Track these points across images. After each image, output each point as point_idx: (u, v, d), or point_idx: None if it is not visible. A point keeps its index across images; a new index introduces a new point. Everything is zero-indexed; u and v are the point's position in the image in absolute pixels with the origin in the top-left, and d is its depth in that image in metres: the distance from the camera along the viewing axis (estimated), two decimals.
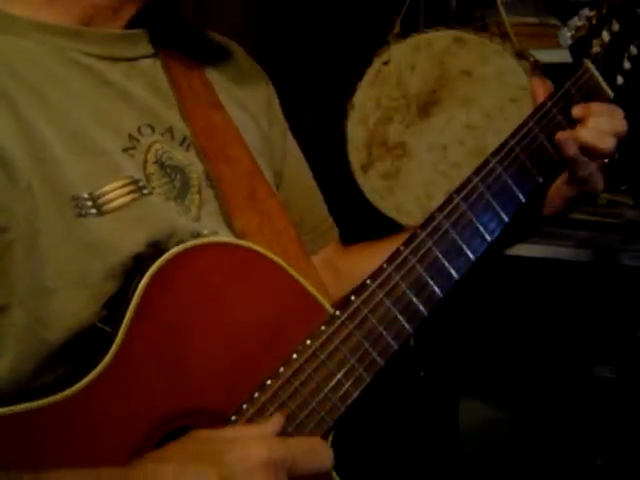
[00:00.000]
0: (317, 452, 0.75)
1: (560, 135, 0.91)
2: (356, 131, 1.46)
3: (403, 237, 0.85)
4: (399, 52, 1.42)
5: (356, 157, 1.46)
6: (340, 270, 1.02)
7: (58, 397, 0.69)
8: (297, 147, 1.06)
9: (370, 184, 1.45)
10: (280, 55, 1.85)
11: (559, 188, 0.95)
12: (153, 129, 0.84)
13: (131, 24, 0.85)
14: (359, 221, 1.23)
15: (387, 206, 1.44)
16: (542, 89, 0.96)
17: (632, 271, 1.66)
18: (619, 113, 0.93)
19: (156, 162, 0.82)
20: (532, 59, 1.38)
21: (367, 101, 1.44)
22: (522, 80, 1.34)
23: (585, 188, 0.93)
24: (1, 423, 0.67)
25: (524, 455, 1.85)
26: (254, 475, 0.68)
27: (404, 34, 1.45)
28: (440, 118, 1.41)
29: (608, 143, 0.90)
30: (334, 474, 0.79)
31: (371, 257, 0.87)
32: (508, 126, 1.36)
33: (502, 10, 1.55)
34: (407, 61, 1.42)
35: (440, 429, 1.90)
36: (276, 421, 0.75)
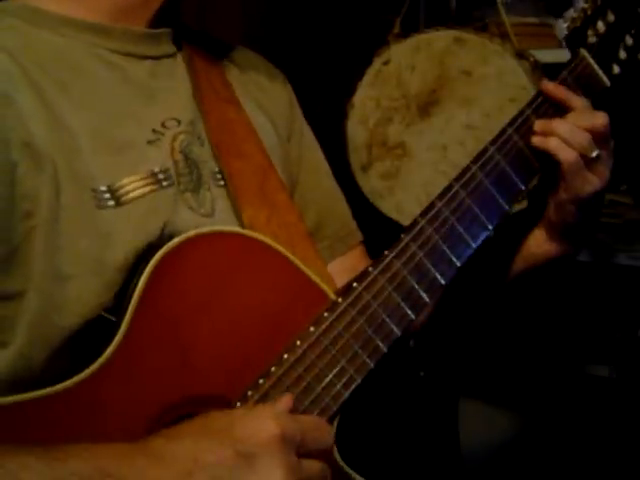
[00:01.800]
0: (323, 430, 0.76)
1: (537, 125, 0.91)
2: (356, 131, 1.46)
3: None
4: (399, 52, 1.42)
5: (356, 157, 1.45)
6: None
7: (64, 385, 0.70)
8: (318, 151, 1.06)
9: (370, 184, 1.44)
10: (280, 55, 1.84)
11: (555, 206, 0.95)
12: (179, 122, 0.85)
13: (154, 24, 0.86)
14: (359, 221, 1.23)
15: (387, 206, 1.44)
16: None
17: (632, 271, 1.66)
18: (597, 113, 0.92)
19: (181, 152, 0.83)
20: (532, 59, 1.38)
21: (367, 101, 1.44)
22: (522, 80, 1.34)
23: (580, 191, 0.92)
24: (10, 411, 0.68)
25: (524, 455, 1.85)
26: (267, 449, 0.68)
27: (404, 34, 1.45)
28: (440, 118, 1.41)
29: (582, 138, 0.90)
30: (338, 457, 0.80)
31: None
32: None
33: (502, 10, 1.55)
34: (407, 61, 1.42)
35: (440, 429, 1.90)
36: (285, 400, 0.76)
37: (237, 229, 0.82)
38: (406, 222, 1.41)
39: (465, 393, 1.95)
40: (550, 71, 1.33)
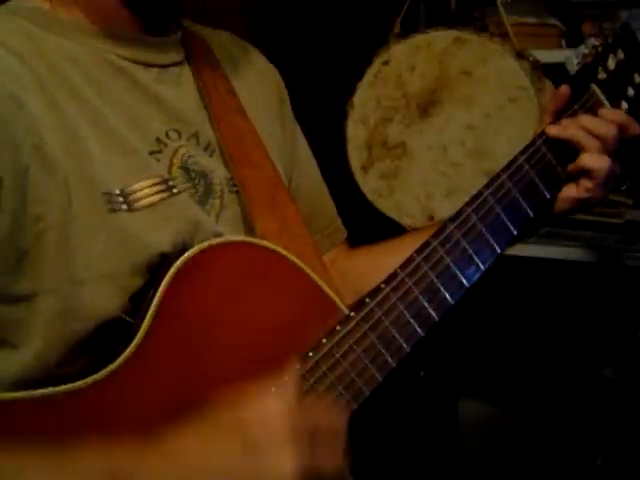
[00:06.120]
0: (335, 418, 0.74)
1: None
2: (356, 131, 1.46)
3: (405, 240, 0.87)
4: (399, 52, 1.43)
5: (356, 157, 1.46)
6: (345, 271, 1.03)
7: (81, 384, 0.71)
8: (307, 148, 1.07)
9: (370, 184, 1.45)
10: (280, 55, 1.84)
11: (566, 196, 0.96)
12: (180, 134, 0.85)
13: (161, 31, 0.87)
14: (359, 221, 1.23)
15: (387, 206, 1.44)
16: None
17: (632, 271, 1.66)
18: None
19: (181, 167, 0.84)
20: (532, 59, 1.38)
21: (367, 101, 1.45)
22: (522, 80, 1.34)
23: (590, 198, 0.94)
24: (23, 406, 0.69)
25: (524, 455, 1.85)
26: (278, 440, 0.68)
27: (404, 34, 1.46)
28: (440, 118, 1.42)
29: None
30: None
31: (375, 258, 0.89)
32: (508, 126, 1.37)
33: (502, 10, 1.56)
34: (407, 61, 1.42)
35: (440, 429, 1.90)
36: (291, 372, 0.74)
37: (255, 240, 0.83)
38: (406, 222, 1.43)
39: (465, 393, 1.95)
40: (550, 71, 1.33)
